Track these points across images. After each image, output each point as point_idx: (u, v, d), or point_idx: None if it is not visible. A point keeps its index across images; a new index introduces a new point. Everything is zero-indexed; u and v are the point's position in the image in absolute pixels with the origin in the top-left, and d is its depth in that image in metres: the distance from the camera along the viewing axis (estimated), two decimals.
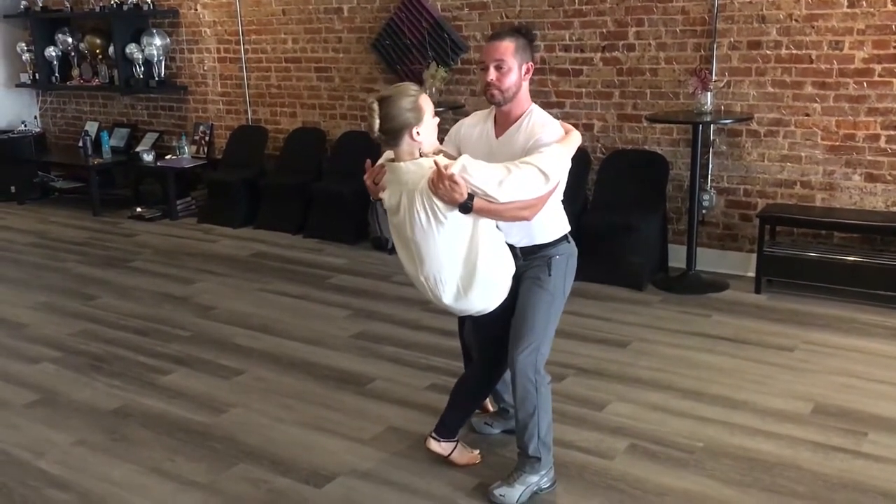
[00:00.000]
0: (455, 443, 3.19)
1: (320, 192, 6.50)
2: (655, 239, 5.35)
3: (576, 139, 2.82)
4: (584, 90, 5.70)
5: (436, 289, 2.76)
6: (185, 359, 4.30)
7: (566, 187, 2.94)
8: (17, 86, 8.59)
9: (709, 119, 5.01)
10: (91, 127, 8.34)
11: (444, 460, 3.18)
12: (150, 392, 3.94)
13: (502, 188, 2.62)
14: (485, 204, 2.64)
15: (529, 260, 2.94)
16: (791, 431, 3.38)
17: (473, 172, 2.60)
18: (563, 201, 2.99)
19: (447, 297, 2.78)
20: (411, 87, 2.70)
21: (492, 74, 2.81)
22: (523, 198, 2.67)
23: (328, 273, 5.56)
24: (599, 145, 5.71)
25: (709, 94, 5.02)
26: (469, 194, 2.59)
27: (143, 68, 7.59)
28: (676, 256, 5.38)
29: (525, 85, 2.88)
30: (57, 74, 8.33)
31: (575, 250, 3.06)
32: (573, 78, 5.72)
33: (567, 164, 2.78)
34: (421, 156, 2.69)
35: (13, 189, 8.18)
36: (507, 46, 2.82)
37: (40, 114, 8.89)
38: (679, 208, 5.50)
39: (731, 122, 5.13)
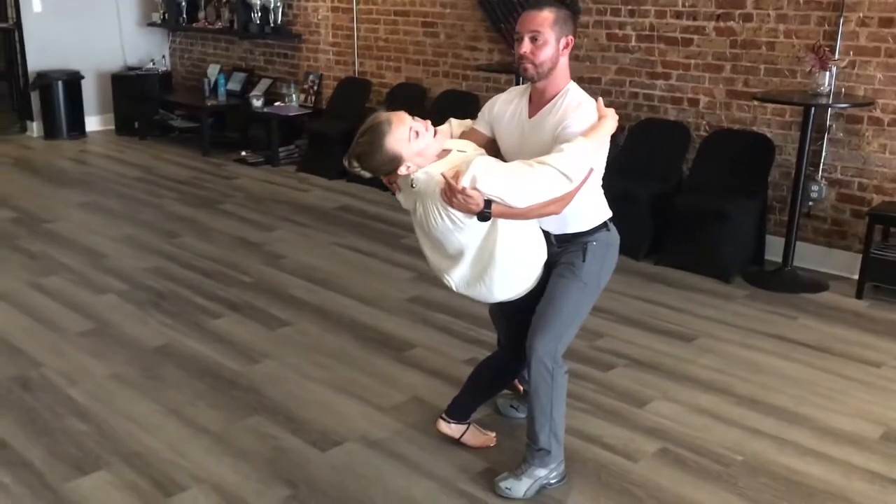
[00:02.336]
0: (467, 425, 3.02)
1: None
2: (750, 228, 4.92)
3: (607, 129, 2.54)
4: (692, 62, 5.28)
5: (452, 278, 2.63)
6: (238, 305, 4.32)
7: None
8: (149, 24, 8.91)
9: (824, 102, 4.52)
10: (212, 69, 8.54)
11: (457, 441, 3.03)
12: (195, 334, 3.97)
13: (519, 195, 2.42)
14: (504, 209, 2.44)
15: (564, 246, 2.71)
16: (849, 457, 3.01)
17: (485, 182, 2.39)
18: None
19: (463, 287, 2.64)
20: (380, 133, 2.47)
21: (525, 46, 2.57)
22: (544, 199, 2.45)
23: (403, 232, 5.45)
24: (704, 122, 5.29)
25: (827, 73, 4.52)
26: (486, 201, 2.40)
27: (260, 14, 7.68)
28: (774, 249, 4.94)
29: (563, 61, 2.61)
30: (185, 15, 8.57)
31: (616, 239, 2.80)
32: (682, 48, 5.31)
33: (601, 154, 2.54)
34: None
35: (136, 124, 8.53)
36: (546, 17, 2.57)
37: (169, 53, 9.20)
38: (784, 197, 5.03)
39: (849, 106, 4.61)
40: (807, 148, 4.60)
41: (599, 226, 2.72)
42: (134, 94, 8.49)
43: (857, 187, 4.80)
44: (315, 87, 7.62)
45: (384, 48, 7.12)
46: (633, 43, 5.52)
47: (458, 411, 2.99)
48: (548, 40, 2.56)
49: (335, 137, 6.93)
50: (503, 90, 6.64)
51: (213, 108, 7.88)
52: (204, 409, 3.29)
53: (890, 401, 3.42)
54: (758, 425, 3.21)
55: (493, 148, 2.80)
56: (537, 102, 2.68)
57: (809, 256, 4.91)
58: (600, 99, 2.63)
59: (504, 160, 2.70)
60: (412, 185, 2.52)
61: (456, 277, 2.62)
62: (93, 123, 8.73)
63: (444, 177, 2.40)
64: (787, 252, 4.77)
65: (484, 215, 2.42)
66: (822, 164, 4.88)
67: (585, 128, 2.52)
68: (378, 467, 2.92)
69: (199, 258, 5.02)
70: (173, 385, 3.48)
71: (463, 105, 6.39)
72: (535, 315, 2.66)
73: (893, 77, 4.54)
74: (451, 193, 2.38)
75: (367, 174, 2.59)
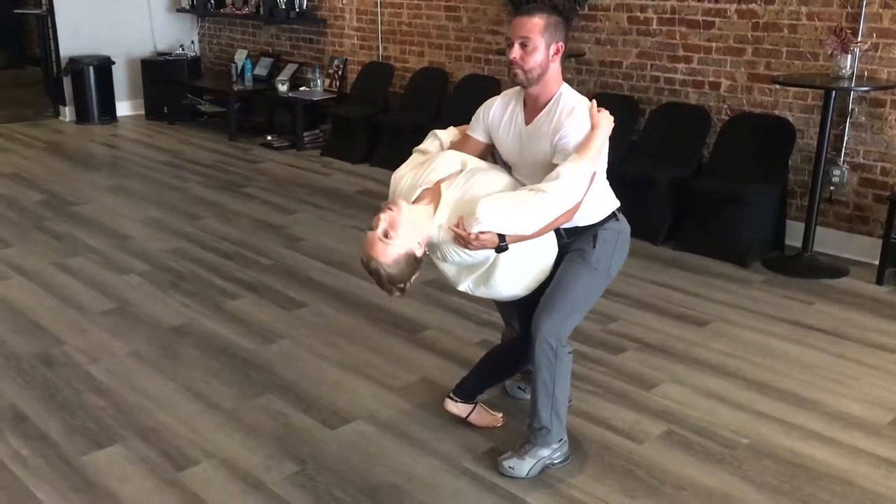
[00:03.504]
0: (473, 405, 3.06)
1: None
2: (770, 213, 4.88)
3: (602, 138, 2.57)
4: (714, 45, 5.24)
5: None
6: (256, 286, 4.39)
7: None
8: (178, 10, 9.01)
9: (845, 85, 4.46)
10: (240, 55, 8.63)
11: (463, 421, 3.06)
12: (213, 314, 4.05)
13: (527, 225, 2.50)
14: (518, 237, 2.51)
15: (574, 238, 2.74)
16: (856, 441, 3.00)
17: (494, 223, 2.45)
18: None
19: (480, 291, 2.71)
20: (377, 271, 2.48)
21: (515, 52, 2.60)
22: (552, 220, 2.53)
23: None
24: (725, 106, 5.24)
25: (849, 56, 4.46)
26: (500, 235, 2.47)
27: None
28: (795, 235, 4.89)
29: (554, 67, 2.63)
30: (213, 1, 8.66)
31: (626, 227, 2.83)
32: (703, 31, 5.26)
33: (601, 157, 2.59)
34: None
35: (166, 109, 8.64)
36: (536, 23, 2.59)
37: (198, 39, 9.30)
38: (805, 182, 4.97)
39: (871, 89, 4.55)
40: (828, 132, 4.55)
41: (608, 216, 2.74)
42: (163, 79, 8.62)
43: (880, 172, 4.73)
44: (340, 72, 7.67)
45: (407, 32, 7.14)
46: (655, 26, 5.48)
47: (466, 391, 3.03)
48: (537, 46, 2.58)
49: (359, 122, 6.99)
50: None
51: (240, 93, 7.97)
52: (217, 387, 3.37)
53: None
54: (765, 409, 3.21)
55: (489, 153, 2.87)
56: (532, 108, 2.71)
57: (830, 242, 4.86)
58: (594, 102, 2.65)
59: (506, 168, 2.80)
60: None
61: (472, 284, 2.68)
62: (123, 108, 8.86)
63: (455, 231, 2.47)
64: (807, 237, 4.73)
65: (501, 248, 2.50)
66: (844, 149, 4.82)
67: (582, 137, 2.56)
68: (384, 445, 2.97)
69: (219, 240, 5.10)
70: (189, 363, 3.56)
71: (485, 89, 6.34)
72: (543, 296, 2.69)
73: None
74: (466, 241, 2.46)
75: (412, 280, 2.58)
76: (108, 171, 6.77)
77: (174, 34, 9.12)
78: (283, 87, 7.64)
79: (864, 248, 4.80)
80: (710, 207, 4.89)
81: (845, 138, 4.80)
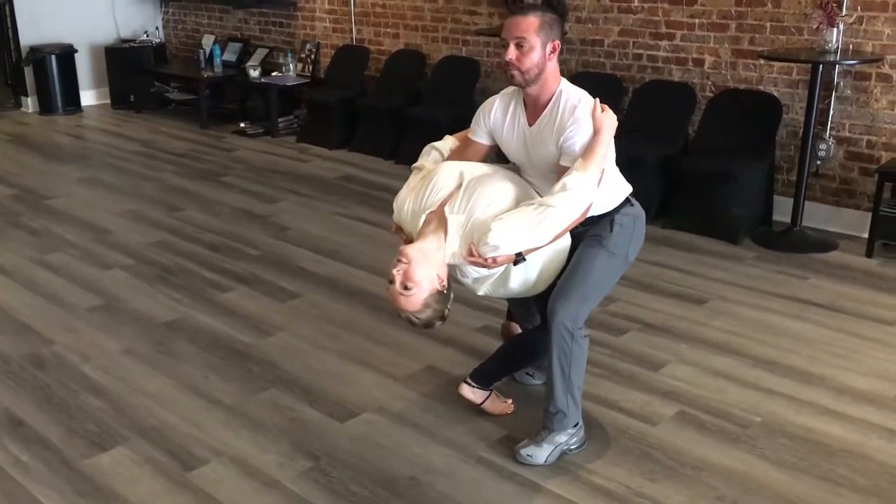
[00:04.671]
0: (489, 391, 3.01)
1: (414, 117, 6.31)
2: (758, 189, 4.89)
3: (607, 139, 2.54)
4: (696, 21, 5.21)
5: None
6: (247, 277, 4.29)
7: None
8: None
9: (832, 59, 4.47)
10: (207, 40, 8.44)
11: (476, 408, 3.02)
12: (205, 307, 3.95)
13: (541, 237, 2.48)
14: (534, 248, 2.50)
15: (589, 226, 2.69)
16: (867, 415, 3.01)
17: (509, 246, 2.43)
18: (623, 176, 2.74)
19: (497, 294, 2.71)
20: (415, 321, 2.54)
21: (511, 53, 2.54)
22: (566, 227, 2.52)
23: None
24: (709, 83, 5.23)
25: (835, 30, 4.47)
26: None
27: None
28: (783, 210, 4.91)
29: (551, 65, 2.59)
30: None
31: (641, 212, 2.81)
32: (686, 7, 5.23)
33: (608, 154, 2.58)
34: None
35: (132, 98, 8.43)
36: (531, 23, 2.54)
37: (162, 24, 9.07)
38: (791, 157, 4.99)
39: (858, 63, 4.56)
40: (815, 106, 4.56)
41: (622, 203, 2.71)
42: (128, 66, 8.38)
43: (866, 145, 4.76)
44: (312, 56, 7.52)
45: (381, 14, 7.02)
46: (636, 3, 5.45)
47: (483, 377, 2.98)
48: (533, 46, 2.54)
49: (335, 106, 6.87)
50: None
51: (210, 80, 7.79)
52: (218, 383, 3.28)
53: None
54: (774, 386, 3.21)
55: (495, 153, 2.84)
56: (533, 108, 2.67)
57: (818, 216, 4.89)
58: (597, 101, 2.60)
59: (514, 169, 2.77)
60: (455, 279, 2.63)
61: (491, 288, 2.65)
62: (88, 98, 8.63)
63: (471, 261, 2.47)
64: (796, 212, 4.75)
65: (519, 261, 2.50)
66: (829, 123, 4.84)
67: (586, 137, 2.52)
68: (396, 437, 2.92)
69: (203, 231, 4.98)
70: (186, 359, 3.47)
71: (465, 71, 6.33)
72: (559, 280, 2.65)
73: None
74: (483, 266, 2.47)
75: (448, 307, 2.57)
76: (79, 163, 6.58)
77: (138, 20, 8.88)
78: (254, 73, 7.48)
79: (852, 222, 4.84)
80: (699, 185, 4.89)
81: (830, 112, 4.82)
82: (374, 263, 4.46)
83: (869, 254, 4.51)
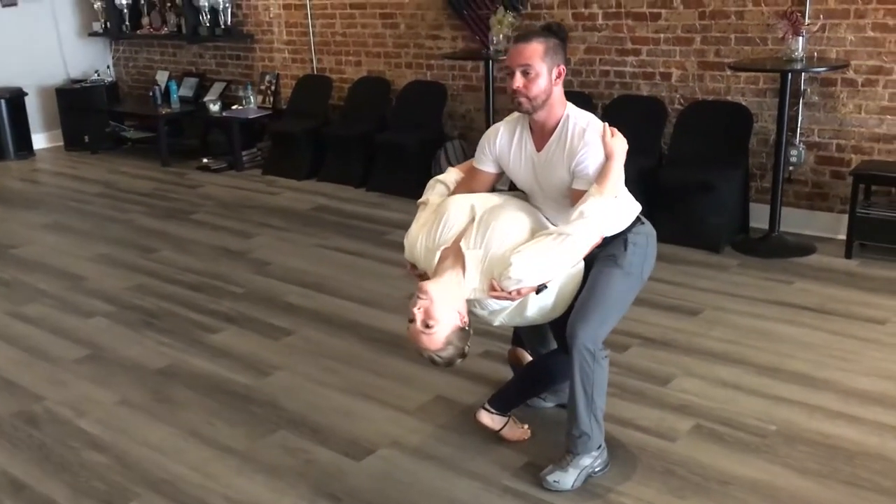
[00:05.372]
0: (507, 418, 2.98)
1: (383, 143, 6.29)
2: (736, 197, 4.97)
3: (618, 168, 2.55)
4: (662, 36, 5.30)
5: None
6: (235, 317, 4.20)
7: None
8: (90, 34, 8.61)
9: (800, 67, 4.57)
10: (161, 76, 8.31)
11: (493, 435, 2.98)
12: (197, 351, 3.85)
13: (561, 268, 2.50)
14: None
15: (602, 247, 2.68)
16: (878, 416, 3.05)
17: (528, 278, 2.43)
18: (625, 182, 2.71)
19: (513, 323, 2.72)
20: (437, 362, 2.51)
21: (518, 81, 2.54)
22: (583, 254, 2.54)
23: (386, 228, 5.38)
24: (678, 96, 5.32)
25: (800, 39, 4.57)
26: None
27: (209, 16, 7.47)
28: (759, 216, 4.99)
29: (557, 90, 2.60)
30: (127, 23, 8.30)
31: (652, 231, 2.82)
32: (651, 23, 5.32)
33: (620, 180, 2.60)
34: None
35: (87, 139, 8.24)
36: (535, 49, 2.54)
37: (113, 63, 8.91)
38: (763, 164, 5.09)
39: (827, 70, 4.67)
40: (786, 114, 4.65)
41: (634, 222, 2.72)
42: (81, 107, 8.20)
43: (836, 149, 4.88)
44: (272, 88, 7.46)
45: (342, 43, 7.00)
46: (601, 21, 5.52)
47: (502, 402, 2.95)
48: (540, 72, 2.54)
49: (300, 137, 6.81)
50: (470, 77, 6.58)
51: (169, 116, 7.66)
52: (223, 428, 3.19)
53: None
54: (782, 393, 3.24)
55: (501, 180, 2.86)
56: (540, 134, 2.67)
57: (793, 220, 4.97)
58: (606, 125, 2.61)
59: (524, 197, 2.77)
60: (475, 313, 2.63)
61: (507, 319, 2.64)
62: (40, 141, 8.42)
63: (494, 296, 2.46)
64: (773, 218, 4.83)
65: (541, 290, 2.50)
66: (798, 129, 4.94)
67: (599, 160, 2.53)
68: (416, 472, 2.86)
69: (181, 272, 4.87)
70: (186, 406, 3.36)
71: (431, 95, 6.33)
72: (577, 302, 2.63)
73: (864, 38, 4.62)
74: (508, 298, 2.47)
75: (466, 348, 2.54)
76: (40, 209, 6.40)
77: (87, 60, 8.71)
78: (214, 107, 7.38)
79: (826, 224, 4.94)
80: (677, 196, 4.94)
81: (799, 118, 4.92)
82: (362, 294, 4.41)
83: (848, 255, 4.61)
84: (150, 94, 8.03)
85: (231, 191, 6.64)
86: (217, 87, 7.86)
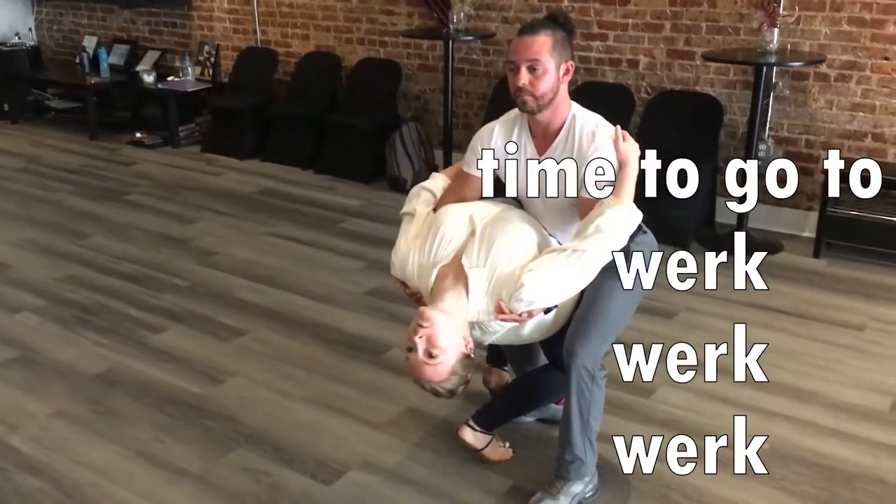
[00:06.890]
0: (491, 437, 2.77)
1: (333, 124, 5.97)
2: (704, 192, 4.82)
3: (633, 177, 2.35)
4: (630, 21, 5.10)
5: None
6: (180, 314, 3.87)
7: None
8: None
9: (775, 60, 4.43)
10: (89, 42, 7.76)
11: (472, 454, 2.77)
12: (140, 353, 3.52)
13: (575, 287, 2.31)
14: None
15: None
16: (869, 433, 2.94)
17: (541, 300, 2.23)
18: None
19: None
20: (441, 392, 2.30)
21: (523, 78, 2.30)
22: (598, 270, 2.31)
23: (340, 216, 5.07)
24: (644, 84, 5.14)
25: (776, 30, 4.43)
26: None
27: None
28: (724, 212, 4.87)
29: (563, 88, 2.37)
30: None
31: (653, 241, 2.62)
32: (619, 7, 5.11)
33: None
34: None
35: (6, 107, 7.67)
36: (543, 42, 2.30)
37: (35, 26, 8.30)
38: (730, 158, 4.96)
39: (804, 63, 4.54)
40: (759, 107, 4.52)
41: (635, 231, 2.51)
42: (0, 73, 7.61)
43: (805, 144, 4.78)
44: (212, 59, 7.02)
45: (288, 14, 6.61)
46: (567, 3, 5.29)
47: (488, 420, 2.74)
48: (547, 68, 2.30)
49: (244, 113, 6.44)
50: (426, 56, 6.27)
51: (97, 86, 7.14)
52: (175, 446, 2.89)
53: (885, 365, 3.39)
54: (770, 406, 3.10)
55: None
56: (542, 137, 2.43)
57: (759, 216, 4.86)
58: (618, 128, 2.41)
59: (518, 204, 2.55)
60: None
61: (501, 338, 2.44)
62: None
63: (502, 318, 2.27)
64: (742, 214, 4.70)
65: (550, 310, 2.32)
66: (768, 123, 4.83)
67: (613, 166, 2.33)
68: (393, 498, 2.63)
69: (118, 261, 4.50)
70: (130, 420, 3.05)
71: (385, 74, 6.02)
72: (575, 318, 2.42)
73: (839, 31, 4.50)
74: (517, 320, 2.26)
75: (469, 376, 2.32)
76: None
77: (6, 21, 8.08)
78: (148, 78, 6.91)
79: (793, 221, 4.86)
80: (645, 189, 4.77)
81: (769, 112, 4.80)
82: (318, 289, 4.13)
83: (816, 254, 4.53)
84: (77, 61, 7.48)
85: (168, 169, 6.23)
86: (151, 56, 7.37)
